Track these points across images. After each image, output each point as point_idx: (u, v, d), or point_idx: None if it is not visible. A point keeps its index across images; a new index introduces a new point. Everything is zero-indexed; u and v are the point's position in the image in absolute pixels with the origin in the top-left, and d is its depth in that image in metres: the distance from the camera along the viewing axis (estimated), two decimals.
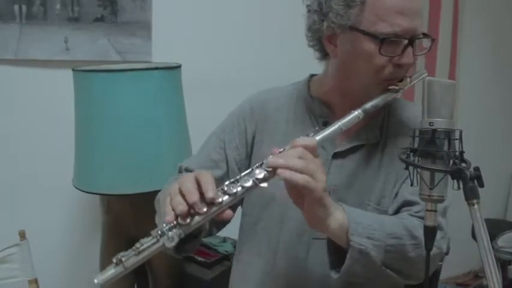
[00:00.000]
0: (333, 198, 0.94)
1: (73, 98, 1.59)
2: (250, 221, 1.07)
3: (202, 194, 0.78)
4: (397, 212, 0.98)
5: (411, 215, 0.94)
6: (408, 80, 0.94)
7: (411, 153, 0.75)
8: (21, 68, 1.79)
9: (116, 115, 1.51)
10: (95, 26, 1.84)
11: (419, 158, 0.74)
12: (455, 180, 0.70)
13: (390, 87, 0.93)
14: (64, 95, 1.64)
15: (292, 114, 1.06)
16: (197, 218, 0.78)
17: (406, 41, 0.90)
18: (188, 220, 0.77)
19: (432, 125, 0.73)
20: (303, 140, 0.83)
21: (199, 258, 1.79)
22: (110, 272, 0.76)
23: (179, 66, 1.66)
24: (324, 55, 1.01)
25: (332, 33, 0.94)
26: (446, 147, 0.72)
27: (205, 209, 0.77)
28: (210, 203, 0.78)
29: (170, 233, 0.76)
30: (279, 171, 0.78)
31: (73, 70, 1.56)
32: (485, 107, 2.75)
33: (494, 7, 2.67)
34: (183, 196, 0.78)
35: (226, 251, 1.83)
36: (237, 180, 0.81)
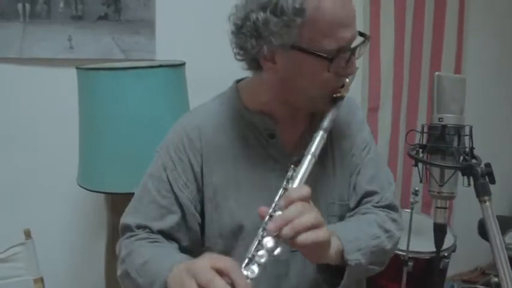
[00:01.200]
0: None
1: (76, 97, 1.58)
2: (221, 250, 1.00)
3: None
4: (359, 203, 1.01)
5: (375, 207, 0.99)
6: (347, 81, 0.93)
7: (420, 150, 0.74)
8: (25, 66, 1.79)
9: (120, 113, 1.50)
10: (99, 24, 1.83)
11: (429, 155, 0.73)
12: (466, 177, 0.69)
13: (335, 96, 0.92)
14: (68, 93, 1.63)
15: (234, 135, 0.99)
16: None
17: (349, 52, 0.87)
18: None
19: (441, 121, 0.72)
20: (297, 193, 0.80)
21: None
22: None
23: (183, 64, 1.65)
24: (257, 68, 0.94)
25: (271, 53, 0.88)
26: (456, 143, 0.71)
27: None
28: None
29: None
30: (300, 239, 0.76)
31: (77, 68, 1.56)
32: (492, 102, 2.73)
33: (499, 1, 2.65)
34: None
35: None
36: (251, 259, 0.77)
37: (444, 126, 0.71)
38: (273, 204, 0.80)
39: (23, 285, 1.57)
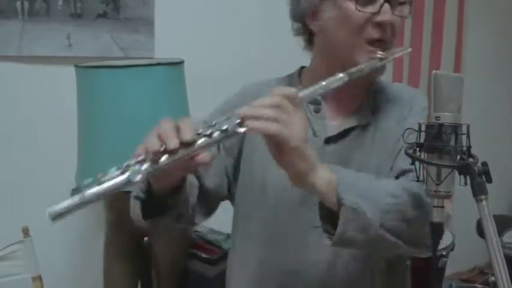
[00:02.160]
0: None
1: (75, 95, 1.58)
2: (244, 213, 1.04)
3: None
4: None
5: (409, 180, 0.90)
6: (391, 50, 0.95)
7: (417, 148, 0.74)
8: (23, 64, 1.79)
9: (119, 111, 1.51)
10: (98, 22, 1.83)
11: (425, 153, 0.73)
12: (463, 176, 0.69)
13: (373, 56, 0.93)
14: (67, 91, 1.63)
15: None
16: (168, 157, 0.72)
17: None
18: (158, 156, 0.72)
19: (438, 120, 0.72)
20: (281, 89, 0.80)
21: (203, 255, 1.79)
22: (66, 202, 0.71)
23: (182, 62, 1.65)
24: (310, 40, 1.02)
25: (314, 9, 0.95)
26: (453, 142, 0.71)
27: (177, 145, 0.72)
28: (183, 144, 0.72)
29: (137, 166, 0.71)
30: (247, 122, 0.74)
31: (76, 66, 1.56)
32: (491, 100, 2.73)
33: (498, 0, 2.65)
34: (160, 139, 0.73)
35: (230, 248, 1.83)
36: (214, 125, 0.75)
37: (441, 125, 0.71)
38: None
39: (21, 284, 1.57)
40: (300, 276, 0.98)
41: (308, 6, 0.95)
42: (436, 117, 0.72)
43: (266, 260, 1.01)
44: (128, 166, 0.71)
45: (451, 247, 1.90)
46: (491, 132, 2.69)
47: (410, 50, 0.99)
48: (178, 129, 0.74)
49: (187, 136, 0.73)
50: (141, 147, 0.75)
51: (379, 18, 0.91)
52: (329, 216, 0.82)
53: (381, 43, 0.94)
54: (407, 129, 0.81)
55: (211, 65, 1.97)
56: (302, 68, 1.10)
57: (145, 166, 0.72)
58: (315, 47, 1.03)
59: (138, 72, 1.53)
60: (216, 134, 0.74)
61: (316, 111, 1.01)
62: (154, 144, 0.73)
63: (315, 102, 1.01)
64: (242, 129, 0.74)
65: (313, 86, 0.85)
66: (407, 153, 0.73)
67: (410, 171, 0.87)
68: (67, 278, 1.95)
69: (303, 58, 1.07)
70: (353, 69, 0.88)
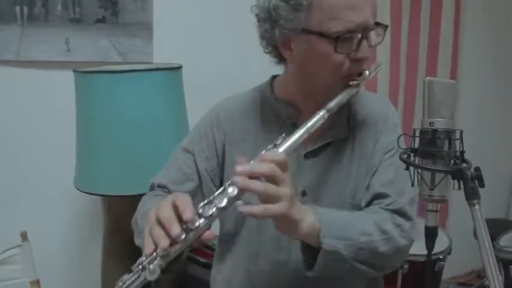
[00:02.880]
0: (309, 197, 0.97)
1: (74, 99, 1.59)
2: (230, 233, 1.07)
3: (178, 218, 0.77)
4: (369, 204, 1.00)
5: (382, 208, 0.97)
6: (366, 73, 0.94)
7: (412, 153, 0.75)
8: (22, 69, 1.79)
9: (117, 116, 1.51)
10: (97, 27, 1.84)
11: (420, 158, 0.74)
12: (456, 180, 0.70)
13: (350, 83, 0.93)
14: (65, 96, 1.64)
15: (259, 120, 1.06)
16: (176, 247, 0.77)
17: (360, 35, 0.89)
18: (168, 250, 0.76)
19: (432, 125, 0.73)
20: (271, 155, 0.82)
21: (201, 259, 1.79)
22: None
23: (180, 67, 1.66)
24: (281, 59, 1.01)
25: (286, 39, 0.94)
26: (446, 147, 0.72)
27: (183, 237, 0.76)
28: (188, 229, 0.77)
29: (151, 266, 0.75)
30: (253, 213, 0.78)
31: (74, 71, 1.56)
32: (486, 105, 2.74)
33: (495, 5, 2.67)
34: (163, 227, 0.76)
35: None
36: (211, 201, 0.79)
37: (435, 131, 0.72)
38: (251, 162, 0.82)
39: None
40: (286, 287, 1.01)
41: (280, 36, 0.94)
42: (430, 122, 0.73)
43: (254, 276, 1.03)
44: (143, 268, 0.76)
45: (448, 251, 1.91)
46: (488, 137, 2.70)
47: (381, 67, 0.98)
48: (179, 213, 0.77)
49: (191, 225, 0.77)
50: (148, 241, 0.78)
51: (358, 55, 0.91)
52: (308, 247, 0.90)
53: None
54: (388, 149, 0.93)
55: (209, 70, 1.98)
56: (274, 76, 1.11)
57: (157, 262, 0.76)
58: (288, 69, 1.03)
59: (136, 77, 1.53)
60: (214, 211, 0.78)
61: (294, 125, 1.01)
62: (162, 239, 0.76)
63: (291, 116, 1.03)
64: (239, 202, 0.79)
65: (296, 133, 0.87)
66: (401, 159, 0.74)
67: (386, 196, 0.97)
68: (65, 282, 1.95)
69: None
70: (332, 104, 0.90)
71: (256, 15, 0.97)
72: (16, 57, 1.77)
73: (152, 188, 1.12)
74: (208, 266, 1.78)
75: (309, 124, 0.88)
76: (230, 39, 2.03)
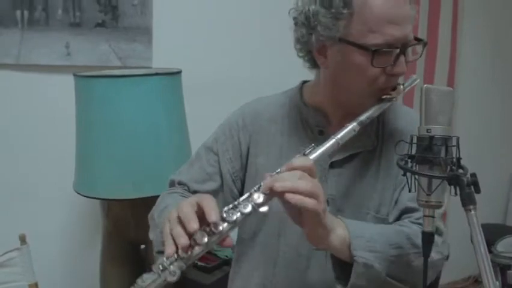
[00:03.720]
0: (332, 208, 0.94)
1: (73, 103, 1.59)
2: (248, 235, 1.05)
3: (201, 220, 0.76)
4: (398, 219, 0.97)
5: (412, 222, 0.94)
6: (401, 87, 0.93)
7: (409, 160, 0.76)
8: (22, 73, 1.80)
9: (116, 120, 1.52)
10: (96, 31, 1.85)
11: (417, 165, 0.75)
12: (453, 186, 0.70)
13: (384, 97, 0.92)
14: (65, 100, 1.65)
15: (286, 125, 1.05)
16: (197, 249, 0.75)
17: (398, 50, 0.88)
18: (189, 252, 0.75)
19: (429, 132, 0.74)
20: (300, 162, 0.80)
21: (199, 263, 1.80)
22: None
23: (179, 72, 1.67)
24: (315, 65, 0.99)
25: (322, 46, 0.92)
26: (443, 154, 0.73)
27: (205, 239, 0.75)
28: (211, 232, 0.76)
29: (172, 267, 0.74)
30: (288, 196, 0.76)
31: (74, 75, 1.57)
32: (483, 111, 2.75)
33: (493, 11, 2.68)
34: (183, 226, 0.75)
35: (226, 256, 1.84)
36: (236, 206, 0.78)
37: (432, 137, 0.73)
38: (278, 169, 0.81)
39: None
40: None
41: (316, 43, 0.92)
42: (427, 129, 0.74)
43: (270, 283, 1.02)
44: (164, 268, 0.75)
45: (446, 256, 1.91)
46: (485, 142, 2.72)
47: (417, 81, 0.97)
48: (201, 214, 0.76)
49: (215, 228, 0.75)
50: (169, 241, 0.76)
51: (394, 70, 0.89)
52: (340, 262, 0.87)
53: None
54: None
55: (208, 75, 1.98)
56: (304, 82, 1.09)
57: (178, 264, 0.75)
58: (320, 76, 1.01)
59: (136, 82, 1.54)
60: (238, 217, 0.77)
61: (321, 133, 1.00)
62: (183, 239, 0.75)
63: (319, 124, 1.01)
64: (264, 209, 0.78)
65: (326, 143, 0.85)
66: (398, 165, 0.75)
67: (415, 210, 0.93)
68: (63, 285, 1.95)
69: (302, 68, 1.07)
70: (363, 117, 0.89)
71: (294, 18, 0.94)
72: (16, 61, 1.78)
73: (172, 185, 1.11)
74: (206, 270, 1.79)
75: (339, 136, 0.86)
76: (229, 44, 2.04)
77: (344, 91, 0.96)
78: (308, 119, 1.03)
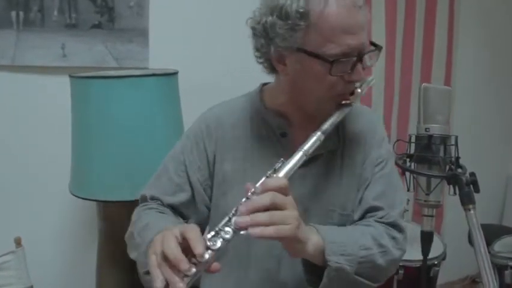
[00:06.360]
0: (299, 208, 0.96)
1: (69, 105, 1.59)
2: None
3: (184, 249, 0.77)
4: (362, 217, 1.02)
5: (376, 221, 0.99)
6: (358, 91, 0.95)
7: (408, 159, 0.76)
8: (18, 74, 1.79)
9: (113, 122, 1.51)
10: (93, 32, 1.84)
11: (416, 164, 0.74)
12: (451, 186, 0.70)
13: (343, 102, 0.95)
14: (61, 101, 1.64)
15: (249, 129, 1.06)
16: (186, 280, 0.76)
17: (355, 58, 0.90)
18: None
19: (428, 131, 0.74)
20: (273, 183, 0.83)
21: None
22: None
23: (176, 73, 1.66)
24: (274, 70, 1.01)
25: (280, 55, 0.94)
26: (442, 153, 0.73)
27: (194, 270, 0.76)
28: (197, 262, 0.77)
29: None
30: (251, 231, 0.79)
31: (70, 76, 1.56)
32: (480, 111, 2.76)
33: (489, 11, 2.69)
34: (171, 265, 0.76)
35: None
36: (217, 233, 0.80)
37: (430, 136, 0.73)
38: (252, 189, 0.83)
39: None
40: None
41: (275, 52, 0.94)
42: (426, 128, 0.74)
43: (244, 284, 1.04)
44: None
45: (443, 256, 1.91)
46: (481, 142, 2.72)
47: (373, 81, 1.00)
48: (185, 244, 0.77)
49: (201, 259, 0.76)
50: (157, 273, 0.77)
51: (352, 77, 0.92)
52: (310, 264, 0.92)
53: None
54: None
55: (205, 76, 1.98)
56: (264, 84, 1.11)
57: None
58: (279, 80, 1.04)
59: (132, 83, 1.53)
60: (221, 244, 0.79)
61: (283, 135, 1.03)
62: (176, 283, 0.75)
63: (281, 126, 1.04)
64: (244, 232, 0.80)
65: (294, 157, 0.88)
66: (397, 164, 0.75)
67: (379, 208, 1.00)
68: None
69: None
70: (326, 125, 0.92)
71: (252, 28, 0.97)
72: (12, 62, 1.77)
73: (144, 200, 1.11)
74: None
75: (306, 147, 0.89)
76: (226, 45, 2.04)
77: (303, 96, 0.98)
78: (270, 122, 1.05)
